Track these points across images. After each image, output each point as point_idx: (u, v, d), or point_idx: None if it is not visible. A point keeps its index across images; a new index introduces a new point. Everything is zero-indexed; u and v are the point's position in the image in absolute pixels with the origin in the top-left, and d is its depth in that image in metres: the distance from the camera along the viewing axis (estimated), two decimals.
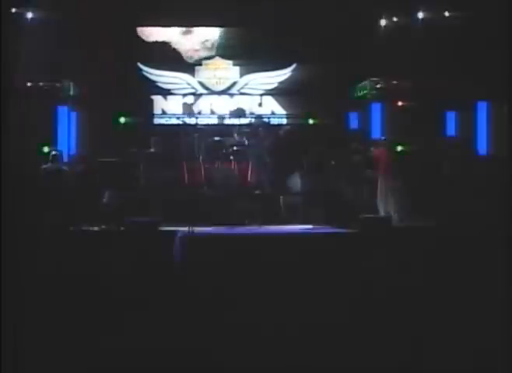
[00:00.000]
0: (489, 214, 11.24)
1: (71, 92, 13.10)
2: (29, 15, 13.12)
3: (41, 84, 12.86)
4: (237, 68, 15.03)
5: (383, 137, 12.18)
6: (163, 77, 14.94)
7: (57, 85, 12.94)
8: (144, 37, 14.88)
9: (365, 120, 13.68)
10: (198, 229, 9.82)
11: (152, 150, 12.47)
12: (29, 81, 12.81)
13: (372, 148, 11.79)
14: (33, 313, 5.18)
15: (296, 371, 4.71)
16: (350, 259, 8.06)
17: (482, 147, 13.21)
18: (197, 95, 14.97)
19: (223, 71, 15.01)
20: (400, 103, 13.45)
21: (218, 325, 5.19)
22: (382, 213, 11.24)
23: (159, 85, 14.93)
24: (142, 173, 11.99)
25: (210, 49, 14.96)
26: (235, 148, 12.91)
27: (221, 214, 10.88)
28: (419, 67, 13.12)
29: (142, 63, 14.83)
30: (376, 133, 13.21)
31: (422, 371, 4.72)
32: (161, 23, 14.77)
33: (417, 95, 13.26)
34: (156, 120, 14.89)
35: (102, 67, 13.92)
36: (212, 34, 14.97)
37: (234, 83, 15.05)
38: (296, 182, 11.61)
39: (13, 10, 12.85)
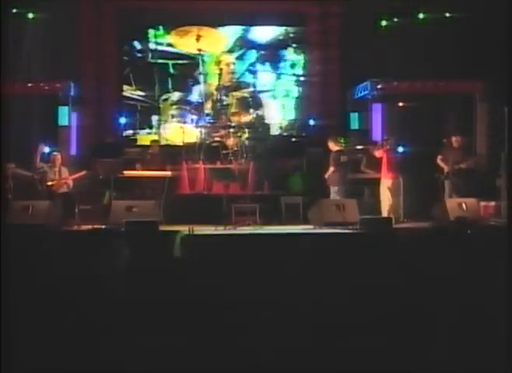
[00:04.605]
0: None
1: (72, 92, 13.08)
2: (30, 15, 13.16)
3: (41, 84, 12.85)
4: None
5: (384, 138, 12.18)
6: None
7: (58, 85, 12.92)
8: None
9: (365, 121, 13.68)
10: (198, 229, 9.83)
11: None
12: (29, 82, 12.81)
13: (373, 149, 11.80)
14: (30, 315, 5.17)
15: (295, 371, 4.71)
16: (350, 259, 8.05)
17: None
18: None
19: None
20: (400, 104, 13.45)
21: (218, 325, 5.19)
22: (384, 213, 11.25)
23: None
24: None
25: None
26: (235, 148, 12.93)
27: (221, 214, 10.87)
28: (419, 67, 13.13)
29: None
30: (377, 133, 13.20)
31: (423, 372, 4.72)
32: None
33: (417, 96, 13.27)
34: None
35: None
36: None
37: None
38: None
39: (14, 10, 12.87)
